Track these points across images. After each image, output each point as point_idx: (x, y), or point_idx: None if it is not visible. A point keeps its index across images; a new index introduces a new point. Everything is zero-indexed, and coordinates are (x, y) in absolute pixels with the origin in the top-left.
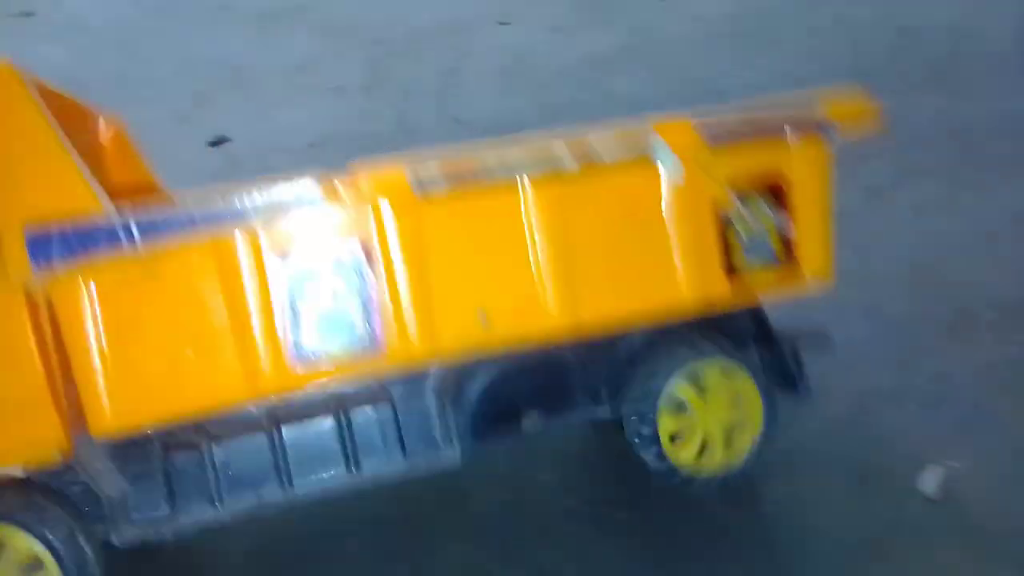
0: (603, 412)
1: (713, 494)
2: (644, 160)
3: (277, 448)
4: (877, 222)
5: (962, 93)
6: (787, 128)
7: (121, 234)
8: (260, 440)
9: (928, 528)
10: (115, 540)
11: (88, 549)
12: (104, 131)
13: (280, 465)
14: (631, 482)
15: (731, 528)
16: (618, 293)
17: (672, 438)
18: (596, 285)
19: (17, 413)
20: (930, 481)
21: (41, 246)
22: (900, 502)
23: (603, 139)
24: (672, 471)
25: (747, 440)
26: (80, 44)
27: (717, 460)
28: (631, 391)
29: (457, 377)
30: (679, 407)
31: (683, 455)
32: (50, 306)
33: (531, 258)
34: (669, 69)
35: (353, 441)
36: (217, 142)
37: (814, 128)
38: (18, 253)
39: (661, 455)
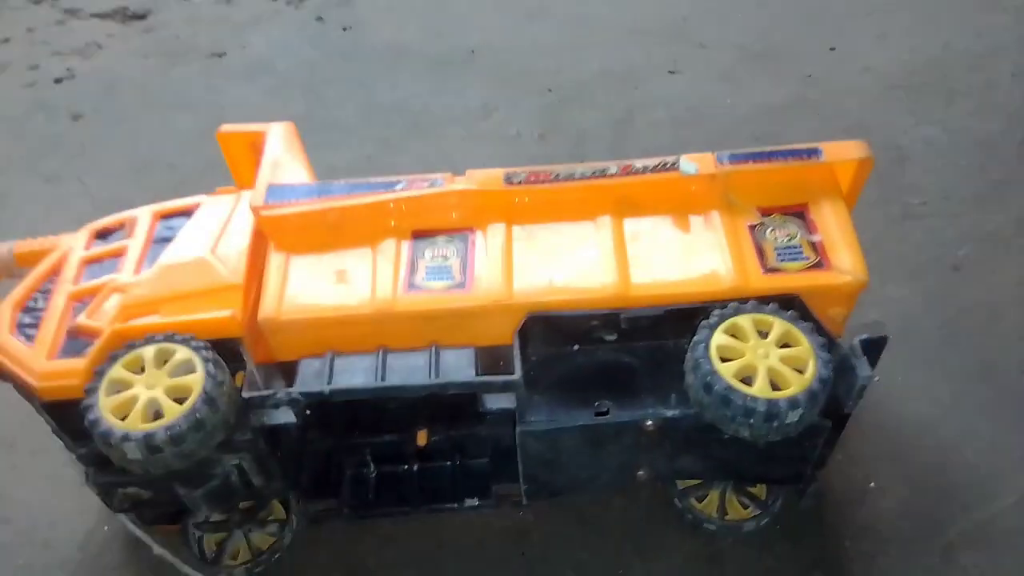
0: (670, 407)
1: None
2: (676, 174)
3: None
4: None
5: None
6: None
7: (316, 192)
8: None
9: None
10: None
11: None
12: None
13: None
14: None
15: None
16: (661, 275)
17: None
18: (643, 268)
19: (216, 294)
20: None
21: (272, 192)
22: None
23: (644, 160)
24: (750, 405)
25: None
26: (268, 85)
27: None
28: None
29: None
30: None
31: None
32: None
33: (593, 239)
34: (842, 120)
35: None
36: None
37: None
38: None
39: (731, 391)
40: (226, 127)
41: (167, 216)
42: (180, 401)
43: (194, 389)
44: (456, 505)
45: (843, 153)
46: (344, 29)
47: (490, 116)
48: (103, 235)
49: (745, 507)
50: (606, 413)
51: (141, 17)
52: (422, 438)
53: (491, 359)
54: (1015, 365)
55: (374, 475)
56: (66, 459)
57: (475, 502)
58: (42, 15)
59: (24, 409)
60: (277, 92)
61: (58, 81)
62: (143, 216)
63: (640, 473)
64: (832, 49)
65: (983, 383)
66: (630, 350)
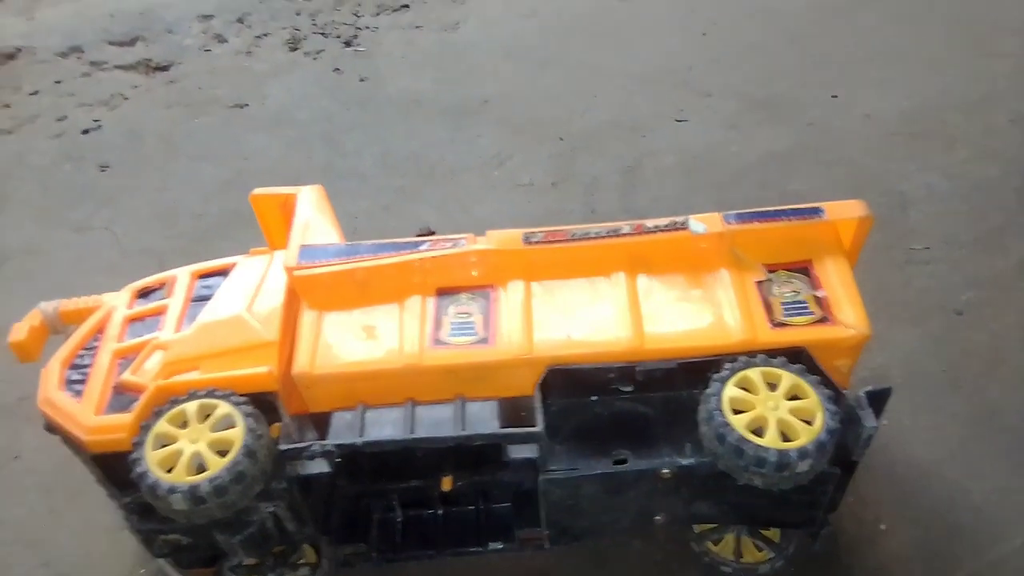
0: (686, 457)
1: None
2: (685, 233)
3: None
4: None
5: None
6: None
7: (345, 253)
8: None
9: None
10: None
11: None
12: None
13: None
14: None
15: None
16: (673, 329)
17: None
18: (656, 322)
19: (252, 351)
20: None
21: (304, 253)
22: None
23: (655, 220)
24: (761, 455)
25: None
26: (289, 136)
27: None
28: (702, 410)
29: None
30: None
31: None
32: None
33: (608, 295)
34: (844, 167)
35: (464, 414)
36: (423, 234)
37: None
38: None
39: (743, 443)
40: (258, 191)
41: (204, 275)
42: (222, 454)
43: (235, 443)
44: (480, 548)
45: (844, 212)
46: (361, 80)
47: (503, 164)
48: (144, 294)
49: (760, 550)
50: (624, 462)
51: (164, 68)
52: (447, 484)
53: (513, 409)
54: (1018, 408)
55: (400, 520)
56: (108, 505)
57: (499, 545)
58: (69, 67)
59: (62, 454)
60: (297, 143)
61: (85, 132)
62: (182, 276)
63: (657, 518)
64: (834, 96)
65: (987, 426)
66: (645, 400)
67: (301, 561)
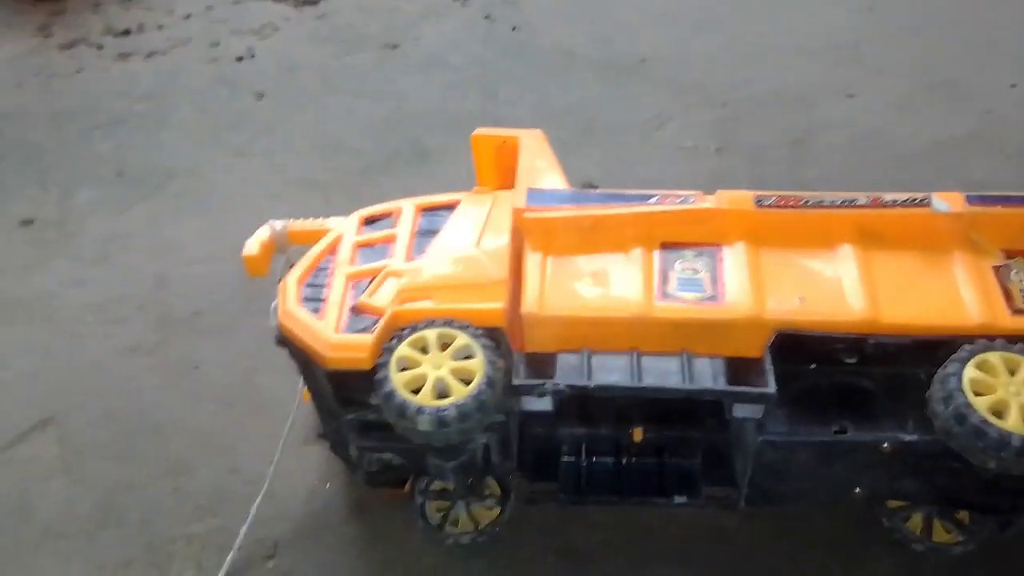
0: (908, 434)
1: None
2: (922, 210)
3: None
4: None
5: None
6: None
7: (574, 200)
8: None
9: None
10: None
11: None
12: None
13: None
14: None
15: None
16: (909, 305)
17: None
18: (891, 297)
19: (483, 287)
20: None
21: (532, 196)
22: None
23: (894, 194)
24: (1005, 439)
25: None
26: (444, 79)
27: None
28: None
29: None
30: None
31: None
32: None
33: (837, 265)
34: None
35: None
36: (585, 188)
37: None
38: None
39: (984, 425)
40: (481, 130)
41: (428, 209)
42: (464, 382)
43: (477, 373)
44: (665, 500)
45: None
46: (513, 29)
47: (664, 126)
48: (371, 222)
49: (948, 531)
50: (844, 432)
51: (313, 3)
52: (638, 435)
53: (734, 369)
54: None
55: (586, 464)
56: (290, 421)
57: (684, 499)
58: None
59: (241, 368)
60: (452, 87)
61: (239, 59)
62: (407, 208)
63: (857, 490)
64: (1013, 86)
65: None
66: (867, 374)
67: (487, 493)
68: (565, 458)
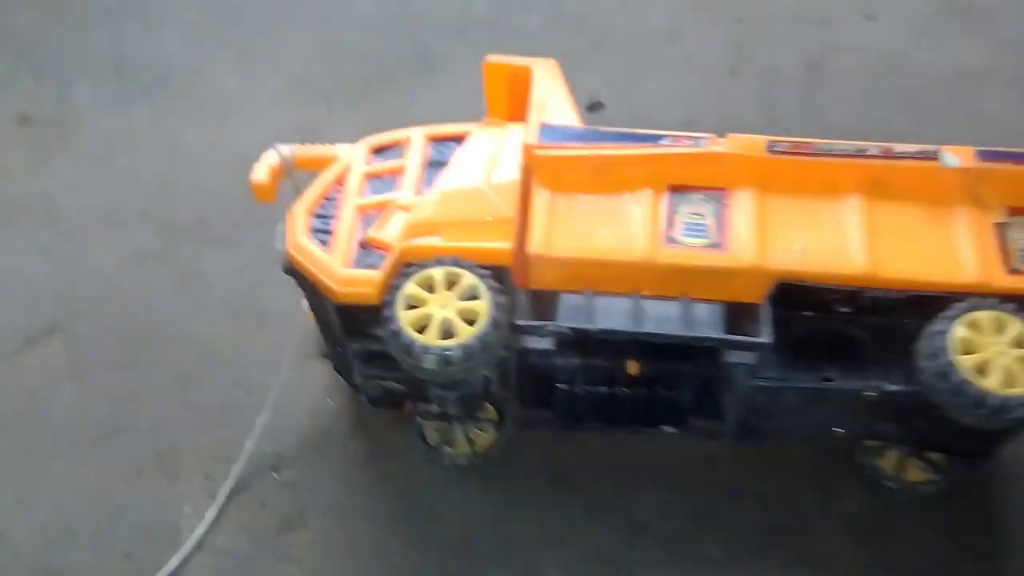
0: (893, 382)
1: None
2: (932, 164)
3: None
4: None
5: None
6: None
7: (586, 137)
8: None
9: None
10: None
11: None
12: None
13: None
14: None
15: None
16: (908, 260)
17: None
18: (891, 251)
19: (491, 225)
20: None
21: (544, 132)
22: None
23: (905, 146)
24: (983, 397)
25: None
26: None
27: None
28: (924, 346)
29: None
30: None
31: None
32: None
33: (843, 216)
34: None
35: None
36: (593, 107)
37: None
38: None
39: (965, 384)
40: (492, 58)
41: (438, 140)
42: (469, 322)
43: (482, 314)
44: (655, 429)
45: None
46: None
47: (677, 42)
48: (379, 151)
49: (920, 470)
50: (830, 380)
51: None
52: (633, 368)
53: (733, 315)
54: None
55: (580, 393)
56: (296, 335)
57: (672, 429)
58: None
59: (246, 280)
60: None
61: None
62: (416, 137)
63: (838, 430)
64: None
65: None
66: (859, 323)
67: (484, 418)
68: (560, 386)
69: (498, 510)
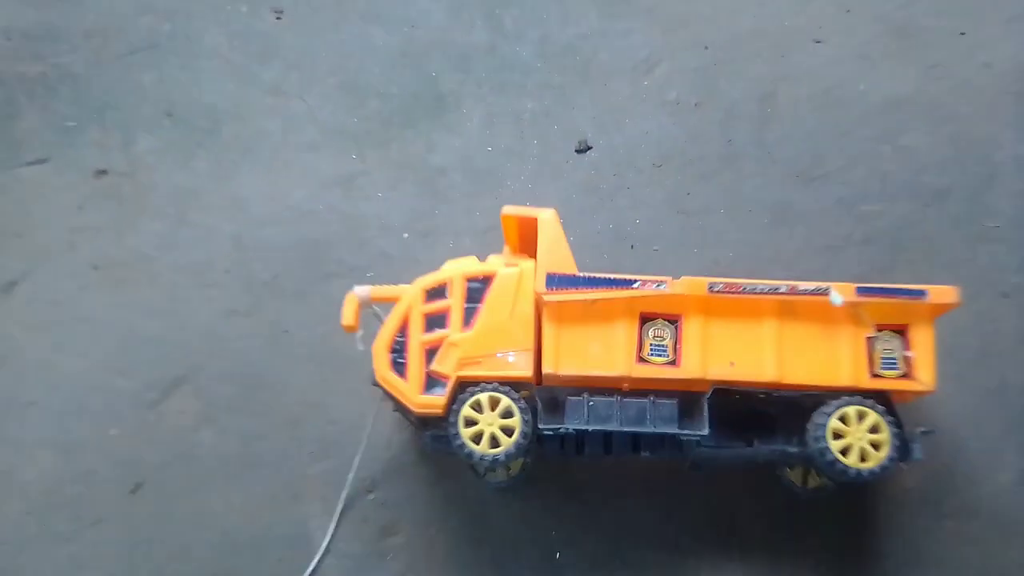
0: (792, 447)
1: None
2: (824, 300)
3: (618, 402)
4: None
5: None
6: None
7: (581, 283)
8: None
9: None
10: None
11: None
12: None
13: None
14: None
15: None
16: (805, 368)
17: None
18: (793, 361)
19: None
20: None
21: (549, 280)
22: None
23: (806, 284)
24: (845, 469)
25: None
26: (452, 5)
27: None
28: (810, 430)
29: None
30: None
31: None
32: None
33: (761, 334)
34: (951, 128)
35: (655, 409)
36: (582, 150)
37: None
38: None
39: (835, 461)
40: (508, 209)
41: (472, 279)
42: (507, 432)
43: (516, 428)
44: (638, 455)
45: (942, 297)
46: None
47: (652, 72)
48: (430, 291)
49: (819, 480)
50: (751, 444)
51: None
52: None
53: (687, 404)
54: None
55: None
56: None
57: (649, 455)
58: None
59: (324, 330)
60: (458, 13)
61: None
62: (456, 279)
63: (761, 462)
64: (962, 34)
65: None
66: (772, 403)
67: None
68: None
69: (526, 515)
